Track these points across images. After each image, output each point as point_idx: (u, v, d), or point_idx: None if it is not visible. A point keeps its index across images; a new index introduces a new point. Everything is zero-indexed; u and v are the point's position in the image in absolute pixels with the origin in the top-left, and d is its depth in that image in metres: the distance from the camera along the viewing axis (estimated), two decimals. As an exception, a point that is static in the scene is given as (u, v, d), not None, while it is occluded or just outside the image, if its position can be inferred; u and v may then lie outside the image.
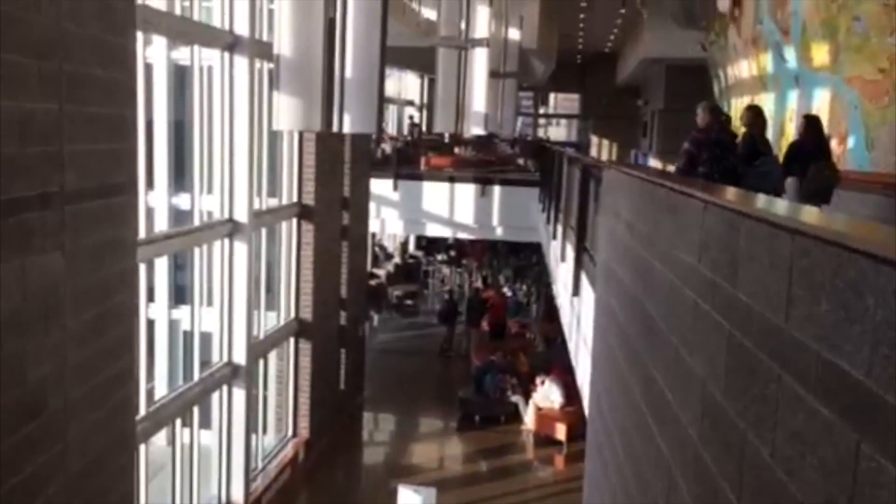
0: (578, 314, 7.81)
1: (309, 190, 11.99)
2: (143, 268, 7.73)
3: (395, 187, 20.40)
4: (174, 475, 9.02)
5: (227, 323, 9.78)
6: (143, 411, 7.62)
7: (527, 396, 14.33)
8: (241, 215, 9.53)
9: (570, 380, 14.51)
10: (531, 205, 20.36)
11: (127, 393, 4.24)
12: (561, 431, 13.35)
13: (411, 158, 22.04)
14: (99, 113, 3.93)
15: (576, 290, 7.80)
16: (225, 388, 9.60)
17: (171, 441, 9.22)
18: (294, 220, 11.78)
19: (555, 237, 12.11)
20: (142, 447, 7.88)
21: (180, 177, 10.22)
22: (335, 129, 6.18)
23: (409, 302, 23.60)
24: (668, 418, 2.27)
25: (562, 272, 10.26)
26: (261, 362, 11.06)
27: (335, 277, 13.44)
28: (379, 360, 17.14)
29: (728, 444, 1.72)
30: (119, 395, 4.14)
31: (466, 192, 20.68)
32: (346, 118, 5.97)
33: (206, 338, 10.02)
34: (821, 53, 8.23)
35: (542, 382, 14.11)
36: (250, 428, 10.22)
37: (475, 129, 12.06)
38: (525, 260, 27.49)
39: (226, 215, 9.45)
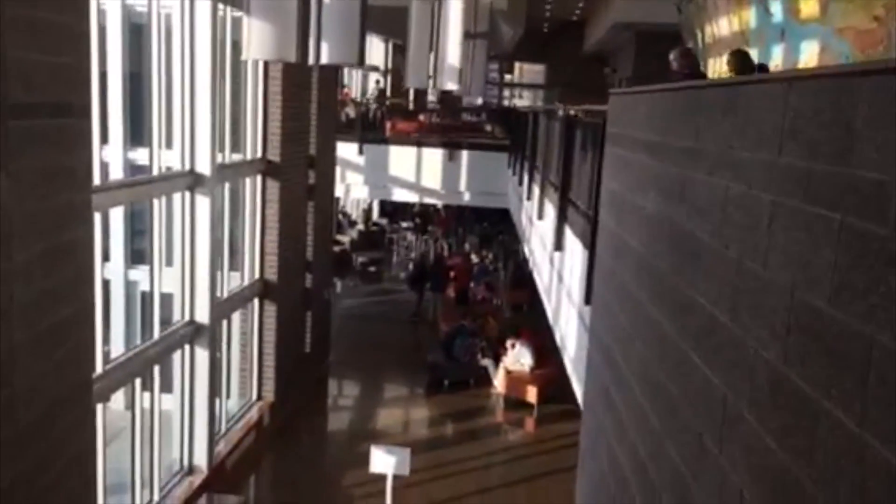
0: (560, 269, 7.54)
1: (274, 146, 11.46)
2: (98, 220, 7.21)
3: (361, 151, 19.88)
4: (133, 439, 8.56)
5: (188, 282, 9.30)
6: (99, 369, 7.15)
7: (497, 360, 14.13)
8: (204, 167, 9.00)
9: (541, 343, 14.38)
10: (500, 170, 20.04)
11: (82, 340, 3.81)
12: (532, 394, 13.19)
13: (376, 124, 21.51)
14: (47, 19, 3.44)
15: (558, 245, 7.52)
16: (187, 347, 9.14)
17: (131, 404, 8.76)
18: (259, 177, 11.25)
19: (529, 197, 11.82)
20: (98, 409, 7.42)
21: (137, 131, 9.63)
22: (311, 60, 5.70)
23: (372, 269, 23.24)
24: (727, 344, 1.97)
25: (538, 231, 9.98)
26: (224, 323, 10.59)
27: (301, 239, 12.97)
28: (344, 325, 16.76)
29: (835, 378, 1.42)
30: (72, 342, 3.72)
31: (434, 157, 20.27)
32: (324, 48, 5.49)
33: (166, 299, 9.52)
34: (809, 4, 8.00)
35: (513, 346, 13.92)
36: (214, 390, 9.80)
37: (449, 84, 11.60)
38: (491, 228, 27.24)
39: (187, 167, 8.92)
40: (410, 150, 20.15)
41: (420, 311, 18.46)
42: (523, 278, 20.24)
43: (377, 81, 25.46)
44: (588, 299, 5.42)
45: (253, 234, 11.32)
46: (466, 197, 20.65)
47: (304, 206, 12.97)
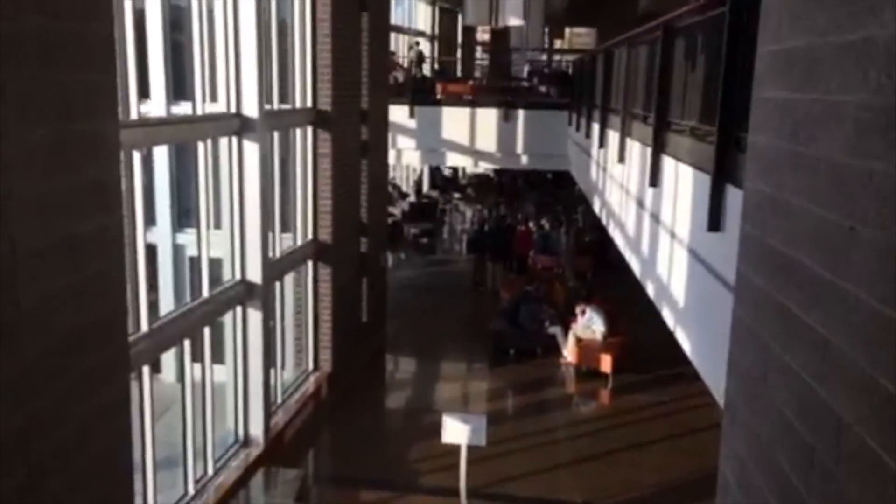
0: (656, 209, 6.54)
1: (325, 95, 10.63)
2: (139, 176, 6.47)
3: (412, 114, 18.98)
4: (185, 411, 7.88)
5: (238, 241, 8.56)
6: (144, 327, 6.44)
7: (565, 328, 13.16)
8: (251, 110, 8.21)
9: (612, 309, 13.36)
10: (558, 131, 18.92)
11: (109, 258, 2.99)
12: (606, 363, 12.21)
13: (426, 87, 20.56)
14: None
15: (654, 181, 6.52)
16: (239, 309, 8.41)
17: (181, 376, 8.08)
18: (310, 128, 10.44)
19: (602, 145, 10.78)
20: (146, 375, 6.74)
21: (180, 84, 8.91)
22: None
23: (424, 240, 22.43)
24: None
25: (619, 177, 8.96)
26: (277, 287, 9.85)
27: (355, 198, 12.17)
28: (400, 296, 15.96)
29: None
30: (97, 259, 2.89)
31: (488, 118, 19.26)
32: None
33: (215, 265, 8.82)
34: None
35: (583, 312, 12.92)
36: (269, 358, 9.08)
37: (512, 20, 10.58)
38: (547, 196, 26.18)
39: (233, 110, 8.14)
40: (464, 112, 19.17)
41: (481, 278, 17.56)
42: (586, 246, 19.26)
43: (416, 43, 24.28)
44: (714, 224, 4.44)
45: (305, 191, 10.54)
46: (524, 160, 19.60)
47: (358, 163, 12.15)
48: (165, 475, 7.78)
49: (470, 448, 7.52)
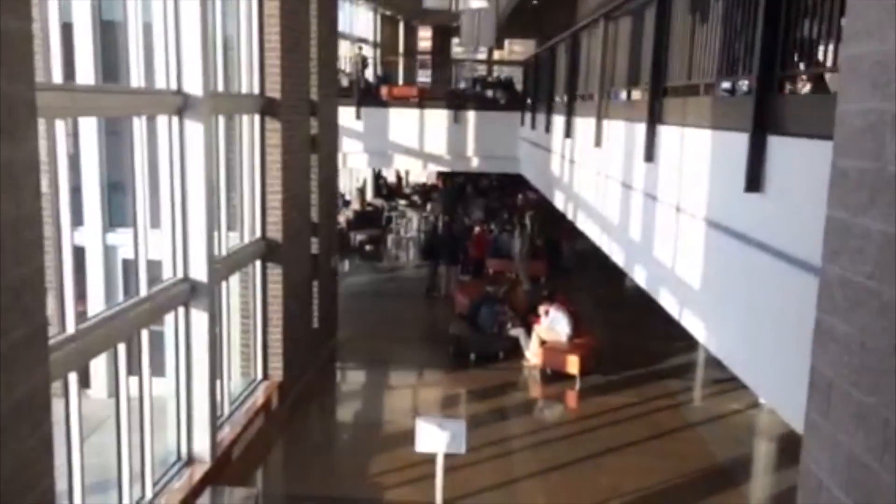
0: (652, 186, 5.99)
1: (273, 83, 9.81)
2: (63, 153, 5.54)
3: (358, 115, 18.29)
4: (119, 428, 6.89)
5: (180, 237, 7.64)
6: (70, 329, 5.51)
7: (528, 329, 12.58)
8: (195, 88, 7.35)
9: (575, 310, 12.86)
10: (509, 132, 18.51)
11: (34, 297, 2.19)
12: (573, 365, 11.66)
13: (372, 91, 19.88)
14: None
15: (649, 155, 5.98)
16: (182, 310, 7.49)
17: (115, 390, 7.08)
18: (257, 116, 9.60)
19: (570, 135, 10.28)
20: (73, 385, 5.79)
21: (111, 66, 7.96)
22: None
23: (369, 247, 21.66)
24: None
25: (595, 161, 8.43)
26: (223, 287, 8.94)
27: (305, 195, 11.33)
28: (351, 302, 15.13)
29: None
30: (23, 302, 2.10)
31: (438, 120, 18.71)
32: None
33: (154, 267, 7.86)
34: None
35: (546, 312, 12.37)
36: (214, 367, 8.16)
37: (474, 3, 10.00)
38: (495, 201, 25.75)
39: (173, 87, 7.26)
40: (412, 113, 18.55)
41: (434, 284, 16.88)
42: (538, 250, 18.84)
43: (360, 48, 23.61)
44: (754, 183, 3.88)
45: (253, 185, 9.67)
46: (475, 162, 19.07)
47: (308, 158, 11.33)
48: (95, 500, 6.80)
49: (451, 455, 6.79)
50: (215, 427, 8.25)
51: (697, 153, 4.89)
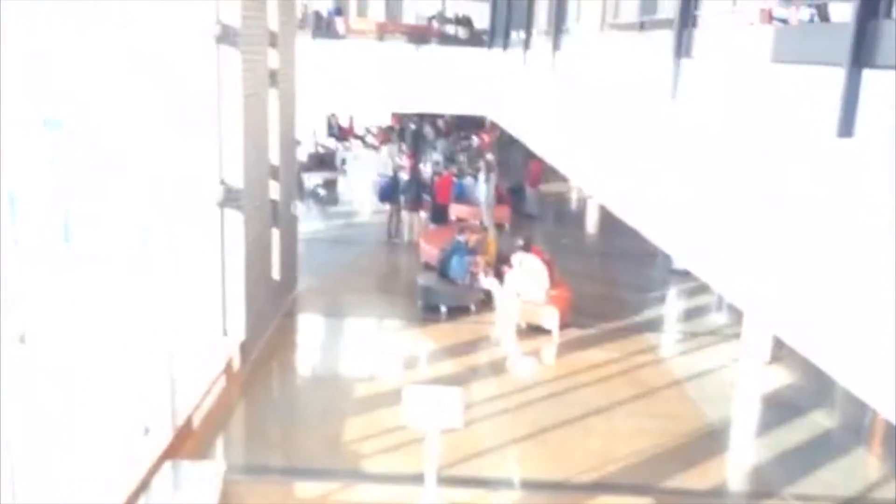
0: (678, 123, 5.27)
1: (230, 8, 8.68)
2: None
3: (314, 49, 17.00)
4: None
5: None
6: None
7: (501, 280, 11.96)
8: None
9: (550, 260, 12.26)
10: (474, 71, 17.51)
11: None
12: (550, 318, 11.14)
13: (326, 24, 18.56)
14: None
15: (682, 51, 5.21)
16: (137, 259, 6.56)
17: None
18: (213, 43, 8.48)
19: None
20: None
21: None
22: None
23: (322, 192, 20.64)
24: None
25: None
26: (178, 238, 7.98)
27: (264, 135, 10.29)
28: (309, 249, 14.24)
29: None
30: None
31: (398, 56, 17.56)
32: None
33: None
34: None
35: (521, 263, 11.74)
36: (170, 323, 7.28)
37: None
38: (455, 144, 24.85)
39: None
40: (370, 45, 17.35)
41: (397, 230, 16.07)
42: (502, 196, 18.15)
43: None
44: (847, 128, 3.18)
45: (207, 123, 8.61)
46: (437, 101, 18.05)
47: (266, 94, 10.25)
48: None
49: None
50: (173, 393, 7.41)
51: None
